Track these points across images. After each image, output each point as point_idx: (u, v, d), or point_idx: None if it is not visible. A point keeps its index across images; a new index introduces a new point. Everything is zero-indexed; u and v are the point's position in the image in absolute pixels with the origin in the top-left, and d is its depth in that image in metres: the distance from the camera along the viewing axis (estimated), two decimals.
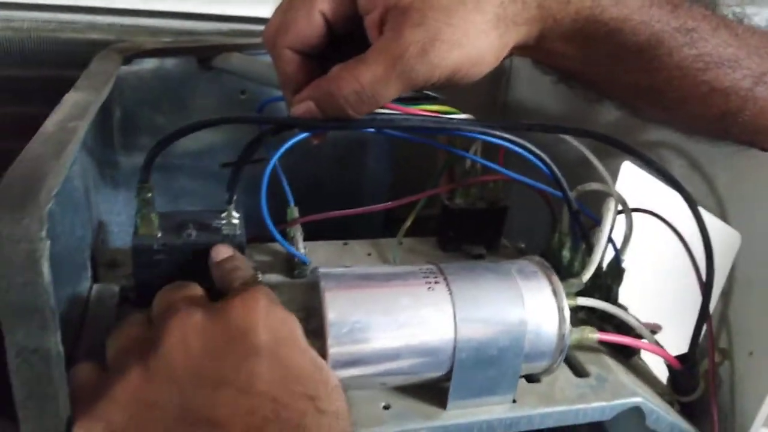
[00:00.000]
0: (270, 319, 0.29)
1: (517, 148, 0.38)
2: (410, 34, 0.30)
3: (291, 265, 0.44)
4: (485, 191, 0.47)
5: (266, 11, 0.37)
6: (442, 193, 0.47)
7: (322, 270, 0.33)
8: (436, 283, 0.33)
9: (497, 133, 0.37)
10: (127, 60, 0.42)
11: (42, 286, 0.23)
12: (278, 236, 0.40)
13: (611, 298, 0.42)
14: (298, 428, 0.26)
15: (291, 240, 0.44)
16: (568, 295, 0.36)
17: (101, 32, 0.54)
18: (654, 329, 0.42)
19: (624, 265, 0.42)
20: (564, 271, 0.45)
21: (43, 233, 0.23)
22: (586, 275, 0.38)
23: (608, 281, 0.42)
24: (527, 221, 0.51)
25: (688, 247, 0.41)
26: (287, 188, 0.44)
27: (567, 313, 0.34)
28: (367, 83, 0.31)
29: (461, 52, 0.31)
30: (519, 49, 0.35)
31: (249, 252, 0.40)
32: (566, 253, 0.45)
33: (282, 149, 0.36)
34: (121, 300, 0.38)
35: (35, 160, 0.25)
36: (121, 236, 0.49)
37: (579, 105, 0.45)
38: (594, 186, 0.43)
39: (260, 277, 0.35)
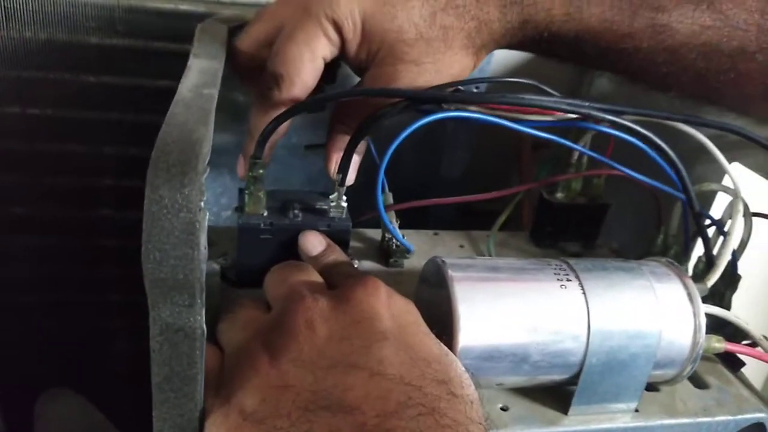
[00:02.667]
0: (393, 307, 0.28)
1: (644, 146, 0.35)
2: (389, 78, 0.35)
3: (385, 253, 0.42)
4: (588, 186, 0.45)
5: None
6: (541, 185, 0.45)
7: (447, 260, 0.31)
8: (568, 280, 0.31)
9: (632, 126, 0.35)
10: (232, 31, 0.40)
11: (196, 259, 0.22)
12: (389, 224, 0.38)
13: (724, 305, 0.40)
14: (432, 412, 0.25)
15: (384, 229, 0.42)
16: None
17: (190, 3, 0.53)
18: None
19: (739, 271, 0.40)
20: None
21: (202, 203, 0.21)
22: (711, 280, 0.36)
23: (722, 288, 0.40)
24: (620, 219, 0.49)
25: None
26: (382, 173, 0.42)
27: (703, 320, 0.32)
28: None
29: (436, 82, 0.36)
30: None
31: None
32: (671, 254, 0.43)
33: (404, 134, 0.34)
34: (221, 279, 0.36)
35: (184, 125, 0.23)
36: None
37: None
38: (714, 186, 0.41)
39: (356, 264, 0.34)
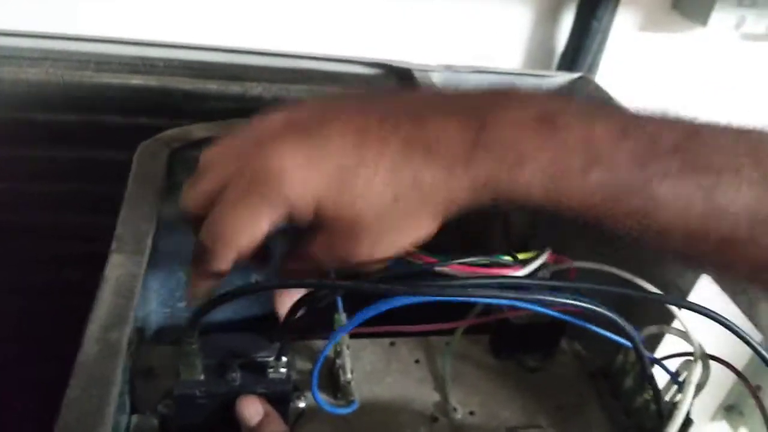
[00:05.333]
0: None
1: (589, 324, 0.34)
2: (347, 252, 0.33)
3: (334, 378, 0.41)
4: None
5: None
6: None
7: None
8: None
9: (576, 302, 0.33)
10: (174, 154, 0.38)
11: None
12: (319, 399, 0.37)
13: None
14: None
15: (338, 354, 0.41)
16: None
17: (141, 76, 0.51)
18: None
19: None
20: (624, 397, 0.43)
21: None
22: None
23: None
24: None
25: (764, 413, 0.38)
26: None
27: None
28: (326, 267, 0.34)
29: (399, 246, 0.33)
30: None
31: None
32: (629, 381, 0.43)
33: (350, 326, 0.33)
34: (161, 430, 0.37)
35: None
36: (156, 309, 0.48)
37: None
38: (665, 329, 0.40)
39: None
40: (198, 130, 0.40)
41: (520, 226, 0.57)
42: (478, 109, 0.32)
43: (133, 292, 0.28)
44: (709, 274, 0.39)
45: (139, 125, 0.50)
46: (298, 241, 0.35)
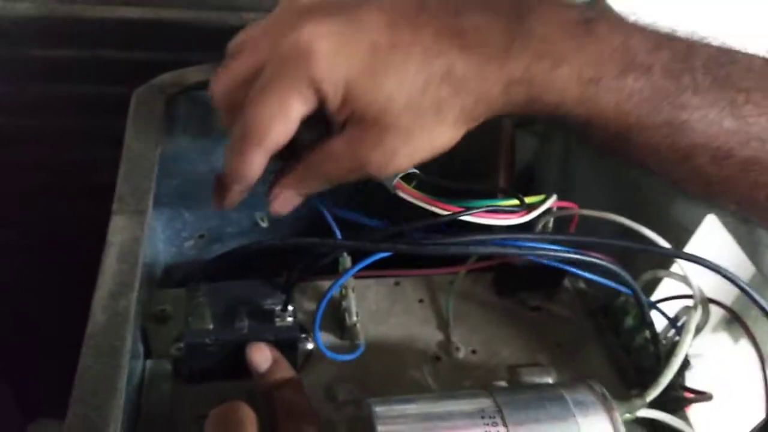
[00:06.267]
0: None
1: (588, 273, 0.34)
2: (367, 154, 0.31)
3: (340, 319, 0.42)
4: None
5: None
6: None
7: (377, 408, 0.32)
8: (494, 425, 0.32)
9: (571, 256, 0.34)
10: (170, 100, 0.37)
11: None
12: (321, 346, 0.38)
13: (672, 386, 0.40)
14: None
15: (343, 297, 0.42)
16: (630, 412, 0.36)
17: (136, 8, 0.48)
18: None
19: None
20: (624, 335, 0.44)
21: None
22: (652, 394, 0.37)
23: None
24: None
25: (760, 354, 0.39)
26: (337, 231, 0.40)
27: None
28: (335, 177, 0.33)
29: (421, 154, 0.32)
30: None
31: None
32: (629, 321, 0.43)
33: (353, 270, 0.33)
34: (175, 374, 0.38)
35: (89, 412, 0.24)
36: (164, 249, 0.48)
37: None
38: (662, 274, 0.40)
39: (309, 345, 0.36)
40: (193, 74, 0.39)
41: (524, 169, 0.56)
42: (518, 5, 0.31)
43: (137, 256, 0.28)
44: (726, 206, 0.38)
45: (135, 59, 0.49)
46: (311, 147, 0.34)
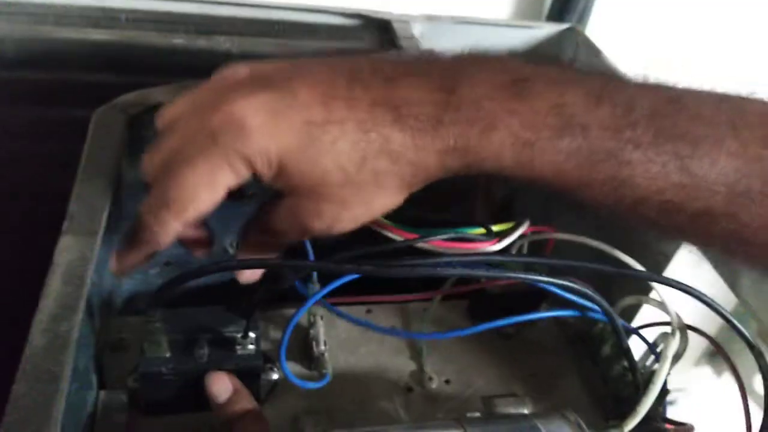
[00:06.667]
0: None
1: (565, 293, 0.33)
2: (309, 221, 0.31)
3: (307, 348, 0.41)
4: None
5: None
6: None
7: None
8: None
9: (543, 278, 0.33)
10: (132, 121, 0.36)
11: None
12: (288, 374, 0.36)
13: (652, 416, 0.39)
14: None
15: (312, 325, 0.40)
16: None
17: (103, 30, 0.48)
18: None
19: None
20: (602, 364, 0.43)
21: None
22: (630, 424, 0.35)
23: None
24: None
25: (741, 384, 0.38)
26: (311, 253, 0.39)
27: None
28: (287, 239, 0.33)
29: (363, 219, 0.32)
30: None
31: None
32: (607, 349, 0.42)
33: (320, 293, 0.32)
34: (131, 405, 0.36)
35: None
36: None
37: None
38: (642, 300, 0.39)
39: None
40: (157, 94, 0.38)
41: (503, 198, 0.56)
42: (449, 72, 0.30)
43: (84, 278, 0.27)
44: (686, 245, 0.38)
45: (101, 83, 0.48)
46: (259, 213, 0.33)
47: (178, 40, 0.48)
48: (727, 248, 0.32)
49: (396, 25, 0.53)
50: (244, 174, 0.30)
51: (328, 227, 0.31)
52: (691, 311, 0.39)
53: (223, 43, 0.48)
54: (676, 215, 0.31)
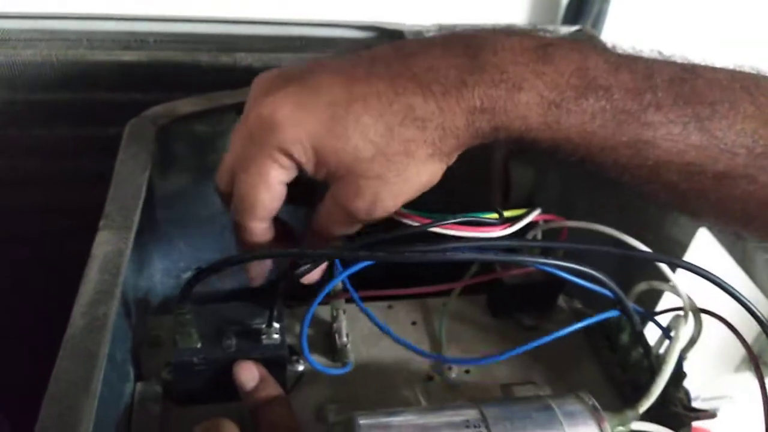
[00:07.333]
0: None
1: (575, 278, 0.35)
2: (352, 204, 0.32)
3: (331, 341, 0.42)
4: None
5: None
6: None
7: (363, 421, 0.32)
8: None
9: (553, 262, 0.34)
10: (162, 130, 0.39)
11: None
12: (311, 359, 0.38)
13: (670, 401, 0.40)
14: None
15: (335, 318, 0.42)
16: (623, 424, 0.35)
17: (133, 52, 0.51)
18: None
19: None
20: (620, 352, 0.43)
21: None
22: (645, 405, 0.36)
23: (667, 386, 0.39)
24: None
25: (756, 363, 0.38)
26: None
27: None
28: (339, 232, 0.34)
29: (405, 194, 0.33)
30: None
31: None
32: (625, 337, 0.43)
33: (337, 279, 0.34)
34: (165, 396, 0.38)
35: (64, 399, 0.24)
36: (162, 280, 0.49)
37: None
38: (654, 285, 0.40)
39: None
40: (184, 105, 0.41)
41: (521, 187, 0.57)
42: (472, 41, 0.31)
43: (119, 268, 0.29)
44: (703, 220, 0.38)
45: (132, 101, 0.51)
46: (310, 218, 0.35)
47: (202, 58, 0.51)
48: (746, 212, 0.33)
49: (409, 35, 0.55)
50: (287, 165, 0.32)
51: (370, 206, 0.32)
52: (712, 296, 0.40)
53: (245, 58, 0.50)
54: (698, 177, 0.32)
